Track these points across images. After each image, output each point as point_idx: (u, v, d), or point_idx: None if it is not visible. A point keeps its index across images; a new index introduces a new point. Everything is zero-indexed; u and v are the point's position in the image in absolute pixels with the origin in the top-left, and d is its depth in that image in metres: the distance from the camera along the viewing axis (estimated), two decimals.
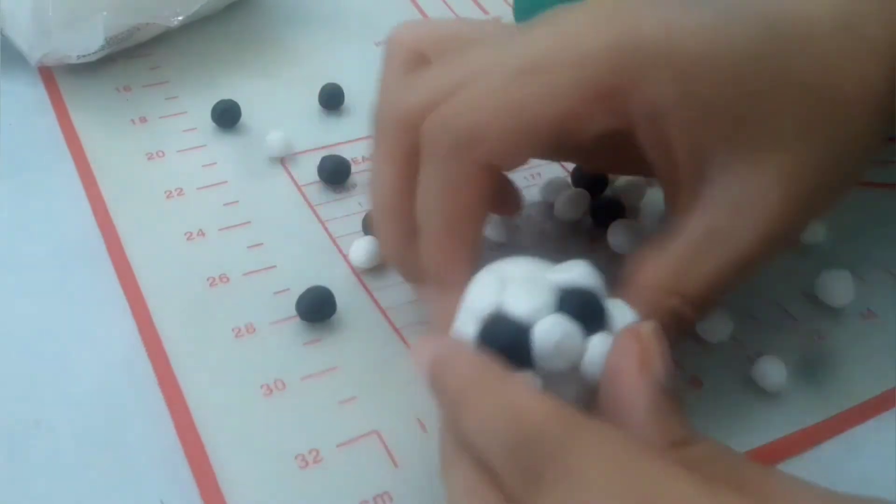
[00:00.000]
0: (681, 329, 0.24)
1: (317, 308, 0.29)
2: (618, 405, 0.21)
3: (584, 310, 0.22)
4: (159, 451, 0.26)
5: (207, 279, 0.30)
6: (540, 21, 0.25)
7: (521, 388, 0.20)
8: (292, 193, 0.34)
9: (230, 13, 0.44)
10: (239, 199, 0.34)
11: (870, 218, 0.35)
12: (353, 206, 0.34)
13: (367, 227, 0.32)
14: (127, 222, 0.32)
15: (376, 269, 0.31)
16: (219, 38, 0.42)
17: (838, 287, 0.31)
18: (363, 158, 0.36)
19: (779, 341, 0.30)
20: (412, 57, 0.27)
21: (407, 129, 0.26)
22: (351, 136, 0.37)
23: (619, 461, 0.18)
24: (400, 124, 0.26)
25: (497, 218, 0.32)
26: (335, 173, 0.35)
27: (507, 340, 0.22)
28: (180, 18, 0.39)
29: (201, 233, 0.32)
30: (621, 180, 0.35)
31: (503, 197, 0.31)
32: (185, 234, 0.32)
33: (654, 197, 0.35)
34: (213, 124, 0.37)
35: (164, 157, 0.35)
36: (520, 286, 0.22)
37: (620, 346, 0.22)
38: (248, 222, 0.33)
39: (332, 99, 0.38)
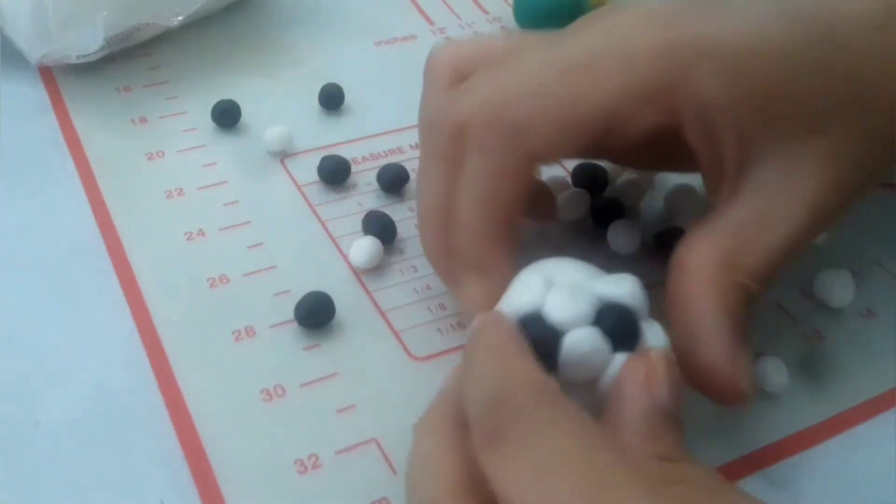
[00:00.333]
0: (749, 304, 0.25)
1: (315, 314, 0.29)
2: (616, 412, 0.22)
3: (618, 327, 0.23)
4: (159, 452, 0.26)
5: (207, 280, 0.30)
6: (586, 22, 0.26)
7: (527, 357, 0.21)
8: (292, 193, 0.34)
9: (230, 13, 0.44)
10: (239, 199, 0.34)
11: (870, 218, 0.35)
12: (353, 206, 0.34)
13: (367, 227, 0.32)
14: (127, 222, 0.32)
15: (376, 269, 0.31)
16: (219, 38, 0.42)
17: (838, 287, 0.31)
18: (363, 158, 0.36)
19: (779, 341, 0.30)
20: (453, 74, 0.28)
21: (458, 135, 0.26)
22: (351, 136, 0.37)
23: (579, 443, 0.19)
24: (452, 130, 0.26)
25: None
26: (335, 173, 0.35)
27: (537, 341, 0.22)
28: (180, 18, 0.39)
29: (201, 233, 0.32)
30: (621, 180, 0.35)
31: (540, 202, 0.31)
32: (185, 234, 0.32)
33: (654, 197, 0.35)
34: (213, 124, 0.37)
35: (164, 157, 0.35)
36: (563, 292, 0.23)
37: (631, 362, 0.22)
38: (248, 222, 0.33)
39: (332, 99, 0.38)
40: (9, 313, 0.29)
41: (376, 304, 0.30)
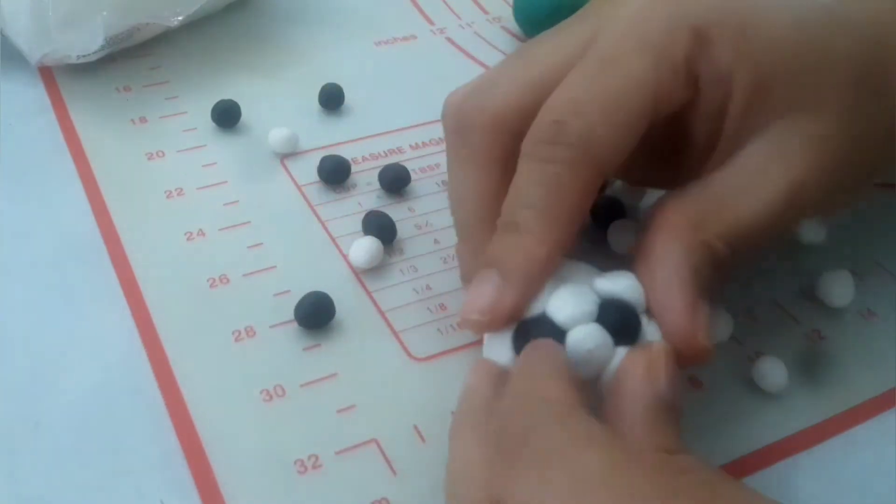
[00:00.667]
0: (716, 268, 0.24)
1: (315, 315, 0.29)
2: (617, 405, 0.22)
3: (620, 322, 0.23)
4: (159, 452, 0.26)
5: (207, 280, 0.30)
6: (588, 13, 0.26)
7: (560, 376, 0.21)
8: (292, 193, 0.34)
9: (230, 13, 0.44)
10: (239, 199, 0.34)
11: (870, 218, 0.35)
12: (353, 206, 0.34)
13: (367, 227, 0.32)
14: (127, 222, 0.32)
15: (376, 269, 0.31)
16: (219, 38, 0.42)
17: (838, 287, 0.31)
18: (363, 158, 0.36)
19: (779, 341, 0.30)
20: (501, 136, 0.27)
21: (497, 132, 0.26)
22: (351, 136, 0.37)
23: (604, 462, 0.19)
24: (489, 128, 0.26)
25: None
26: (335, 173, 0.35)
27: (539, 337, 0.23)
28: (180, 18, 0.39)
29: (201, 233, 0.32)
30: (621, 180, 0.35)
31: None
32: (185, 234, 0.32)
33: (654, 197, 0.35)
34: (213, 124, 0.37)
35: (164, 157, 0.35)
36: (565, 292, 0.24)
37: (631, 356, 0.23)
38: (248, 222, 0.33)
39: (332, 99, 0.38)
40: (9, 313, 0.29)
41: (376, 304, 0.30)
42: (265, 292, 0.30)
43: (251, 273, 0.31)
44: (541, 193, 0.24)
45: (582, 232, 0.33)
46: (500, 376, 0.23)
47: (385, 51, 0.43)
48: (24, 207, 0.33)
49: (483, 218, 0.27)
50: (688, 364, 0.23)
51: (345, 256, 0.32)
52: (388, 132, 0.38)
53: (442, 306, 0.30)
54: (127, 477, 0.25)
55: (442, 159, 0.36)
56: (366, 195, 0.35)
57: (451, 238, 0.33)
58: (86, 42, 0.37)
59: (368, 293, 0.31)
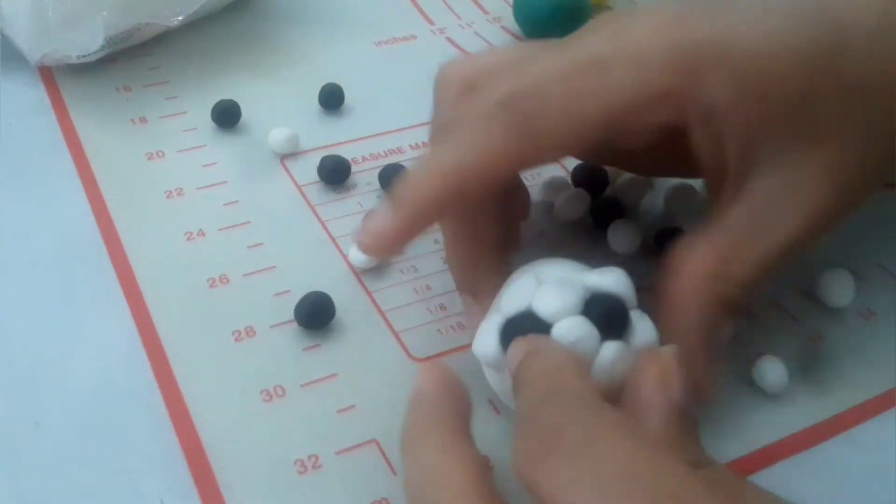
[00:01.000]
0: (731, 311, 0.25)
1: (315, 315, 0.29)
2: (633, 418, 0.22)
3: (606, 316, 0.23)
4: (159, 452, 0.26)
5: (207, 280, 0.30)
6: (596, 26, 0.26)
7: (581, 373, 0.21)
8: (292, 193, 0.34)
9: (230, 13, 0.44)
10: (239, 199, 0.34)
11: (870, 218, 0.35)
12: (353, 206, 0.34)
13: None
14: (127, 222, 0.32)
15: (376, 269, 0.31)
16: (219, 38, 0.42)
17: (838, 287, 0.31)
18: (363, 158, 0.36)
19: (779, 341, 0.30)
20: (464, 85, 0.28)
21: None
22: (351, 136, 0.37)
23: (642, 450, 0.19)
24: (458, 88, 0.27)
25: None
26: (335, 173, 0.35)
27: (526, 333, 0.23)
28: (180, 18, 0.39)
29: (201, 233, 0.32)
30: (621, 180, 0.35)
31: (514, 199, 0.31)
32: (185, 234, 0.32)
33: (654, 197, 0.35)
34: (213, 124, 0.37)
35: (164, 157, 0.35)
36: (551, 287, 0.24)
37: (641, 365, 0.23)
38: (248, 222, 0.33)
39: (332, 99, 0.38)
40: (9, 313, 0.29)
41: (376, 304, 0.30)
42: (265, 292, 0.30)
43: (251, 273, 0.31)
44: (462, 140, 0.25)
45: (582, 232, 0.34)
46: (451, 380, 0.23)
47: (385, 51, 0.43)
48: (24, 207, 0.33)
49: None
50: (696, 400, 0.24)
51: (345, 256, 0.32)
52: (388, 132, 0.38)
53: (442, 306, 0.30)
54: (127, 477, 0.25)
55: None
56: (366, 195, 0.35)
57: None
58: (86, 42, 0.37)
59: (368, 293, 0.31)
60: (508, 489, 0.20)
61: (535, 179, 0.35)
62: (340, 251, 0.32)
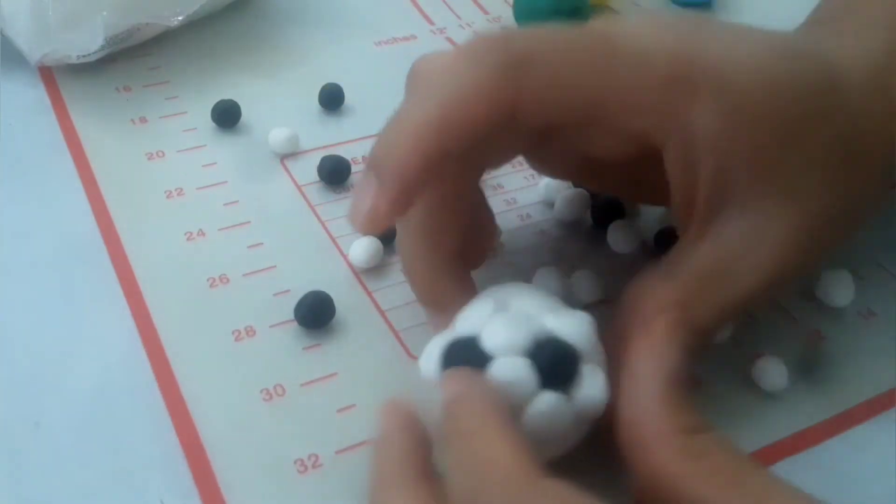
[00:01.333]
0: (687, 355, 0.24)
1: (315, 314, 0.29)
2: (632, 390, 0.22)
3: (550, 363, 0.22)
4: (159, 452, 0.26)
5: (207, 280, 0.30)
6: (592, 28, 0.25)
7: (504, 436, 0.20)
8: (292, 193, 0.34)
9: (230, 13, 0.44)
10: (239, 199, 0.34)
11: (870, 218, 0.35)
12: None
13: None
14: (127, 222, 0.32)
15: (376, 269, 0.31)
16: (219, 38, 0.42)
17: (838, 287, 0.31)
18: (363, 158, 0.36)
19: (779, 341, 0.30)
20: None
21: None
22: (351, 136, 0.37)
23: None
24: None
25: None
26: (335, 173, 0.35)
27: (464, 362, 0.22)
28: (180, 18, 0.39)
29: (201, 233, 0.32)
30: None
31: (480, 229, 0.29)
32: (185, 234, 0.32)
33: None
34: (213, 124, 0.37)
35: (164, 157, 0.35)
36: (503, 319, 0.23)
37: (636, 337, 0.22)
38: (248, 222, 0.33)
39: (332, 99, 0.38)
40: (9, 313, 0.29)
41: (376, 304, 0.30)
42: (265, 292, 0.30)
43: (251, 273, 0.31)
44: (442, 85, 0.24)
45: (582, 232, 0.33)
46: (412, 421, 0.22)
47: (385, 51, 0.43)
48: (24, 207, 0.33)
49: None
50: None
51: (345, 256, 0.32)
52: None
53: None
54: (127, 477, 0.25)
55: None
56: None
57: None
58: (86, 42, 0.37)
59: (368, 293, 0.31)
60: None
61: (536, 179, 0.35)
62: (340, 251, 0.32)
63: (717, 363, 0.29)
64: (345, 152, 0.36)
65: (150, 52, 0.41)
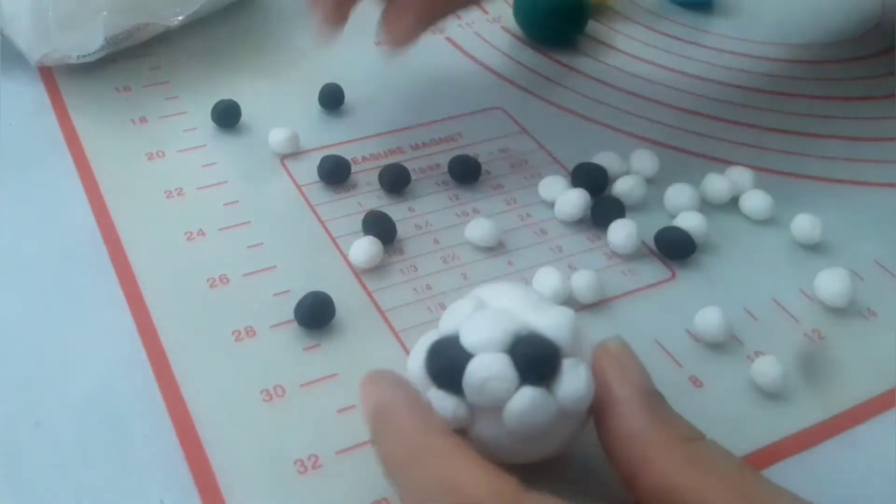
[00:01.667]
0: None
1: (315, 315, 0.29)
2: (617, 415, 0.22)
3: (529, 359, 0.22)
4: (159, 452, 0.26)
5: (207, 280, 0.30)
6: None
7: (462, 457, 0.20)
8: (292, 193, 0.34)
9: (230, 13, 0.44)
10: (239, 199, 0.34)
11: (870, 218, 0.35)
12: (353, 206, 0.34)
13: (367, 227, 0.32)
14: (127, 222, 0.32)
15: (376, 269, 0.31)
16: (219, 38, 0.42)
17: (838, 287, 0.31)
18: (363, 158, 0.36)
19: (779, 341, 0.30)
20: None
21: None
22: (351, 136, 0.37)
23: None
24: None
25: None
26: (335, 173, 0.35)
27: (444, 365, 0.22)
28: (180, 18, 0.39)
29: (201, 233, 0.32)
30: (621, 180, 0.35)
31: None
32: (185, 234, 0.32)
33: (654, 197, 0.35)
34: (213, 124, 0.37)
35: (164, 157, 0.35)
36: (483, 317, 0.23)
37: (598, 362, 0.23)
38: (248, 222, 0.33)
39: (332, 99, 0.38)
40: (9, 313, 0.29)
41: (376, 304, 0.30)
42: (265, 292, 0.30)
43: (251, 273, 0.31)
44: None
45: (582, 232, 0.33)
46: (402, 380, 0.22)
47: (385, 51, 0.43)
48: (24, 207, 0.33)
49: None
50: None
51: (345, 256, 0.32)
52: (388, 132, 0.38)
53: (442, 306, 0.30)
54: (127, 477, 0.25)
55: (442, 160, 0.36)
56: (366, 195, 0.35)
57: (451, 238, 0.33)
58: (86, 42, 0.37)
59: (368, 293, 0.31)
60: None
61: (535, 179, 0.35)
62: (340, 251, 0.32)
63: (716, 363, 0.29)
64: (345, 152, 0.36)
65: (150, 52, 0.41)
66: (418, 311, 0.30)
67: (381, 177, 0.35)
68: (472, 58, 0.43)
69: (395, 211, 0.33)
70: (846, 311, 0.31)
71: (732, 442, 0.27)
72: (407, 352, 0.29)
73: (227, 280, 0.30)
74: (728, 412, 0.28)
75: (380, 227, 0.32)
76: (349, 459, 0.26)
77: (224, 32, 0.43)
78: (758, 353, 0.29)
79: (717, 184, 0.35)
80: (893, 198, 0.36)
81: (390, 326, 0.30)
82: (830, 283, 0.31)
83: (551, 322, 0.23)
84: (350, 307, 0.30)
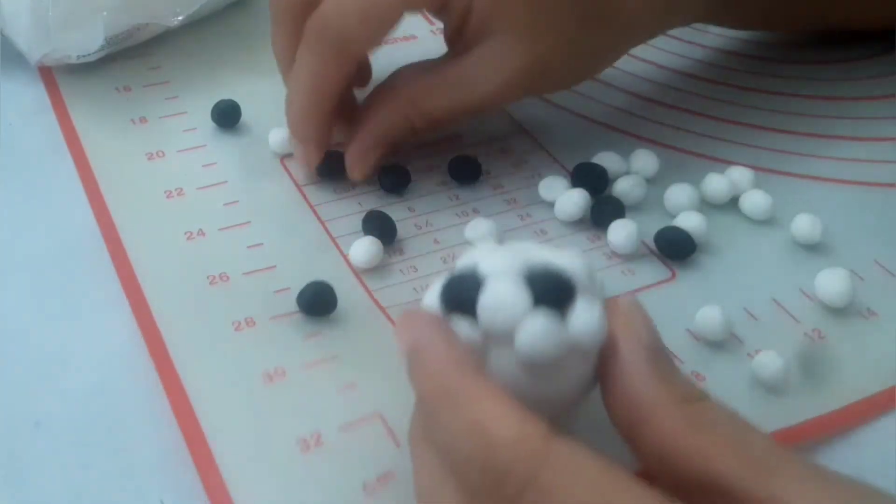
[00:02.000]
0: (407, 133, 0.34)
1: (319, 302, 0.29)
2: (619, 373, 0.22)
3: (544, 284, 0.22)
4: (159, 451, 0.26)
5: (207, 278, 0.30)
6: None
7: (491, 400, 0.20)
8: (292, 193, 0.34)
9: (230, 13, 0.44)
10: (239, 199, 0.34)
11: (870, 218, 0.35)
12: (353, 206, 0.34)
13: (367, 227, 0.32)
14: (127, 222, 0.32)
15: (376, 269, 0.31)
16: (219, 38, 0.42)
17: (838, 287, 0.31)
18: None
19: (779, 340, 0.30)
20: (300, 9, 0.33)
21: (293, 19, 0.33)
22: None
23: (596, 482, 0.19)
24: (287, 15, 0.34)
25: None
26: (335, 173, 0.35)
27: (461, 289, 0.22)
28: (180, 18, 0.39)
29: (201, 232, 0.32)
30: (621, 180, 0.35)
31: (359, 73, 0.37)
32: (186, 233, 0.32)
33: (654, 197, 0.35)
34: (213, 124, 0.37)
35: (164, 157, 0.35)
36: (501, 250, 0.23)
37: (608, 319, 0.22)
38: (248, 222, 0.33)
39: None
40: (9, 313, 0.29)
41: (377, 303, 0.30)
42: (265, 291, 0.30)
43: (251, 273, 0.31)
44: (307, 77, 0.33)
45: (582, 232, 0.34)
46: (439, 322, 0.22)
47: (385, 51, 0.43)
48: (24, 207, 0.33)
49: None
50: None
51: (345, 256, 0.32)
52: None
53: None
54: (127, 477, 0.25)
55: (442, 160, 0.36)
56: (366, 195, 0.35)
57: (451, 238, 0.33)
58: (86, 42, 0.37)
59: (369, 292, 0.31)
60: None
61: (535, 179, 0.35)
62: (340, 251, 0.32)
63: (717, 362, 0.29)
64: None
65: (150, 52, 0.41)
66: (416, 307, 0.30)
67: (381, 177, 0.35)
68: None
69: (395, 211, 0.33)
70: (846, 310, 0.31)
71: None
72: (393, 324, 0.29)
73: (228, 279, 0.30)
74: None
75: (380, 227, 0.32)
76: (352, 435, 0.26)
77: (224, 32, 0.43)
78: (757, 351, 0.29)
79: (717, 184, 0.35)
80: (893, 198, 0.36)
81: (392, 322, 0.30)
82: (830, 283, 0.31)
83: (568, 260, 0.23)
84: (350, 307, 0.30)
